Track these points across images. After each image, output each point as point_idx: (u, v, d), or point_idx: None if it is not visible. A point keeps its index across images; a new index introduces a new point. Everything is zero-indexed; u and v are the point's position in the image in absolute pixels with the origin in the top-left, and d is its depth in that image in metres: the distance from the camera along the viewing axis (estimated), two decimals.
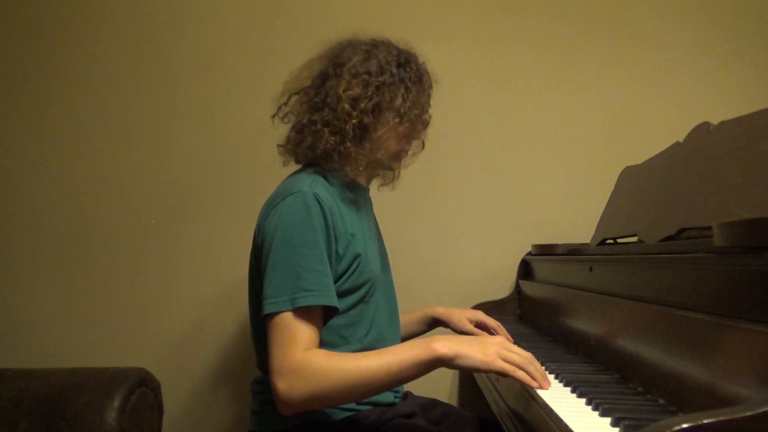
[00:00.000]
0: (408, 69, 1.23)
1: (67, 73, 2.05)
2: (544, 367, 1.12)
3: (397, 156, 1.28)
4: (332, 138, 1.17)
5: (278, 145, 1.28)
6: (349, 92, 1.17)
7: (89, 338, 1.98)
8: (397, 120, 1.20)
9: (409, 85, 1.22)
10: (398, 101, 1.20)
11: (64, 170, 2.03)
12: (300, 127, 1.22)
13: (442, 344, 1.00)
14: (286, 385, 1.00)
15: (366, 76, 1.18)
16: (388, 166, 1.30)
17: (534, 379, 0.97)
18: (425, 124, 1.29)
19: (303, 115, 1.22)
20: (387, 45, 1.25)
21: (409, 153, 1.32)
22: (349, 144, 1.17)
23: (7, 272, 2.02)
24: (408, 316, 1.50)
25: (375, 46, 1.24)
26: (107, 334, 1.98)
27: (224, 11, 2.03)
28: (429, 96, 1.28)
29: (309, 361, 1.01)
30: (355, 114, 1.16)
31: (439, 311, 1.50)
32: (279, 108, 1.26)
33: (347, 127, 1.16)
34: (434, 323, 1.51)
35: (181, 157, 2.01)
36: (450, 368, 1.03)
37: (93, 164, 2.03)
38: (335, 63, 1.22)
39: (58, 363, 1.75)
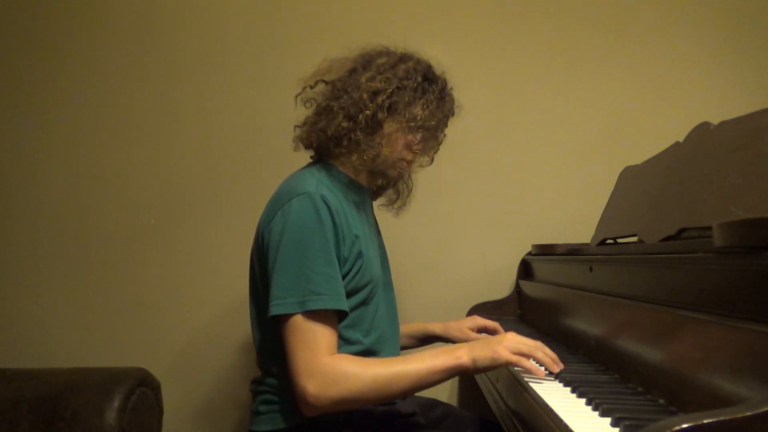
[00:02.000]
0: (433, 85, 1.25)
1: (66, 73, 2.05)
2: (543, 367, 1.12)
3: (397, 164, 1.27)
4: (344, 123, 1.18)
5: (295, 126, 1.30)
6: (371, 84, 1.19)
7: (89, 338, 1.98)
8: (411, 124, 1.21)
9: (431, 98, 1.24)
10: (415, 108, 1.21)
11: (64, 170, 2.03)
12: (319, 110, 1.24)
13: (464, 352, 1.06)
14: (317, 388, 1.02)
15: (390, 75, 1.20)
16: (385, 171, 1.29)
17: (543, 365, 1.03)
18: (437, 142, 1.30)
19: (324, 101, 1.24)
20: (419, 59, 1.27)
21: (413, 165, 1.32)
22: (359, 133, 1.18)
23: (8, 272, 2.02)
24: (405, 328, 1.48)
25: (408, 56, 1.27)
26: (108, 334, 1.98)
27: (224, 10, 2.03)
28: (447, 119, 1.29)
29: (339, 365, 1.04)
30: (371, 106, 1.18)
31: (437, 329, 1.49)
32: (304, 89, 1.27)
33: (360, 116, 1.18)
34: (431, 339, 1.50)
35: (181, 157, 2.01)
36: (472, 374, 1.05)
37: (93, 164, 2.03)
38: (365, 60, 1.24)
39: (58, 363, 1.75)
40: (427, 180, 1.94)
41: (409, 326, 1.50)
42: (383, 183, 1.39)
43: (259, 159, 1.97)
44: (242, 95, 2.01)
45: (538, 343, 1.07)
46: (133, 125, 2.03)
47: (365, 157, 1.20)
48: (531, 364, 1.04)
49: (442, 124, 1.28)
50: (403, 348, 1.45)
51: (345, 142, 1.19)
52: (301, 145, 1.28)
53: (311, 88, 1.27)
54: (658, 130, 1.75)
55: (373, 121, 1.19)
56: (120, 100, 2.03)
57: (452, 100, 1.30)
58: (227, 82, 2.01)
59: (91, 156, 2.03)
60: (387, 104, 1.19)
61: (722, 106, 1.73)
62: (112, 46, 2.04)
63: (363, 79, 1.20)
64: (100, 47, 2.04)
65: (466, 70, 1.98)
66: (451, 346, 1.11)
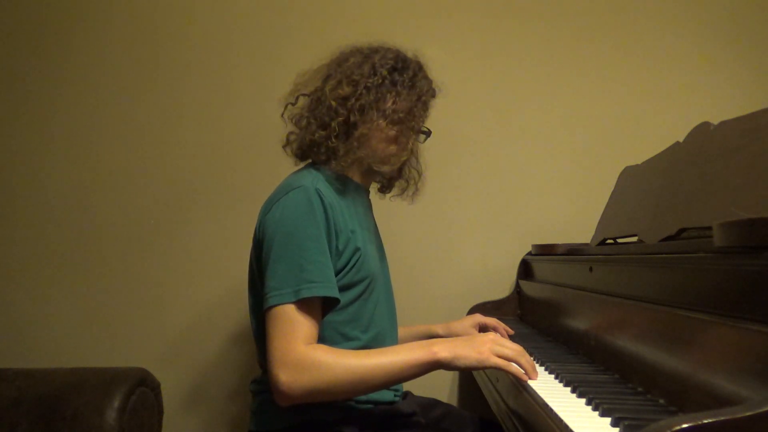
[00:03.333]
0: (402, 74, 1.25)
1: (70, 73, 2.05)
2: (543, 367, 1.13)
3: (387, 160, 1.26)
4: (319, 132, 1.21)
5: (283, 146, 1.31)
6: (338, 91, 1.21)
7: (90, 338, 1.98)
8: (382, 121, 1.22)
9: (400, 89, 1.24)
10: (386, 103, 1.22)
11: (65, 170, 2.03)
12: (297, 123, 1.27)
13: (442, 347, 1.05)
14: (289, 377, 1.02)
15: (357, 77, 1.22)
16: (378, 170, 1.29)
17: (525, 372, 1.02)
18: (416, 131, 1.28)
19: (302, 114, 1.27)
20: (386, 50, 1.27)
21: (409, 153, 1.31)
22: (334, 140, 1.20)
23: (8, 272, 2.02)
24: (408, 330, 1.49)
25: (374, 50, 1.27)
26: (108, 334, 1.98)
27: (228, 11, 2.03)
28: (424, 104, 1.28)
29: (313, 355, 1.04)
30: (342, 112, 1.20)
31: (440, 330, 1.49)
32: (286, 107, 1.30)
33: (333, 123, 1.20)
34: None
35: (183, 156, 2.01)
36: (449, 370, 1.06)
37: (94, 164, 2.03)
38: (337, 65, 1.26)
39: (58, 363, 1.75)
40: (428, 180, 1.94)
41: (412, 328, 1.51)
42: (386, 178, 1.39)
43: (260, 159, 1.97)
44: (245, 95, 2.01)
45: (521, 349, 1.05)
46: (135, 126, 2.03)
47: (343, 163, 1.21)
48: (516, 369, 1.02)
49: (418, 109, 1.26)
50: None
51: (323, 150, 1.22)
52: (295, 158, 1.31)
53: (293, 105, 1.29)
54: (658, 130, 1.75)
55: (346, 125, 1.21)
56: (123, 100, 2.03)
57: (428, 82, 1.29)
58: (230, 82, 2.01)
59: (93, 156, 2.03)
60: (357, 106, 1.20)
61: (722, 106, 1.74)
62: (116, 47, 2.04)
63: (328, 88, 1.21)
64: (103, 48, 2.04)
65: (466, 70, 1.99)
66: (428, 340, 1.11)
